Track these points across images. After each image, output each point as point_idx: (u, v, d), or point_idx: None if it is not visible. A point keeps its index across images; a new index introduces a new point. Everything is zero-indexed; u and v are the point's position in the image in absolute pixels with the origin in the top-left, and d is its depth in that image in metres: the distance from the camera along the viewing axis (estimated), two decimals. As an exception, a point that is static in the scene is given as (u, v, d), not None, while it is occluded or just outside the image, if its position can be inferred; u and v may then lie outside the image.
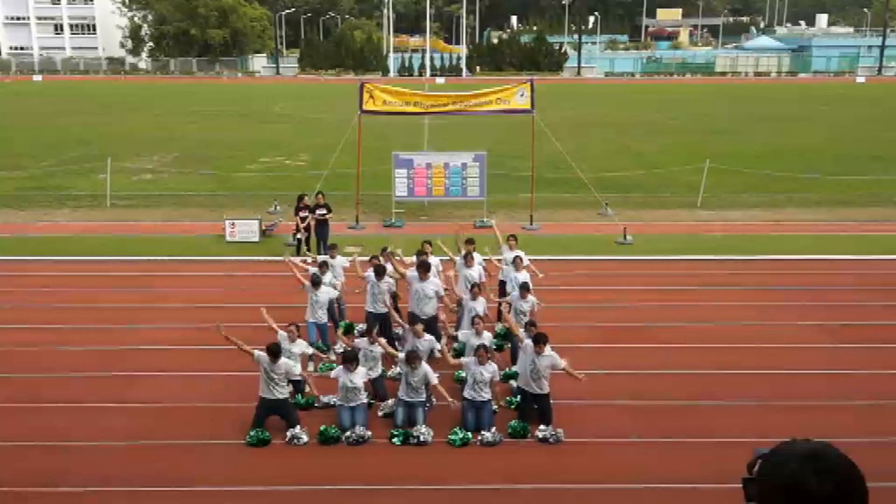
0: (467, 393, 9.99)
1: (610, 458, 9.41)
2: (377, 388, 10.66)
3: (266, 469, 9.11)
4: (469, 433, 9.67)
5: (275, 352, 9.69)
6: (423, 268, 12.09)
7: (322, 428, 9.67)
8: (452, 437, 9.63)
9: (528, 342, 10.06)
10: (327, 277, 12.52)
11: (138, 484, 8.75)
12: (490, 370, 9.99)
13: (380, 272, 12.14)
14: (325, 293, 12.05)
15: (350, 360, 9.97)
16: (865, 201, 24.05)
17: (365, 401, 9.97)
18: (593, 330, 13.31)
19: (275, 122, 44.21)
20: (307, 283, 12.08)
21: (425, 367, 10.03)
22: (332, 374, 10.26)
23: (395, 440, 9.63)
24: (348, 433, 9.60)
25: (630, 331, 13.37)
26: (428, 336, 10.88)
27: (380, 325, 11.69)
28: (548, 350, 9.94)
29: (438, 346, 10.95)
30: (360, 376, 9.94)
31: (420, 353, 10.22)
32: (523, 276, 12.65)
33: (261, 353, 9.76)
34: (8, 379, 11.38)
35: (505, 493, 8.71)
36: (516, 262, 12.83)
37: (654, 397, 10.85)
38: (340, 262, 13.47)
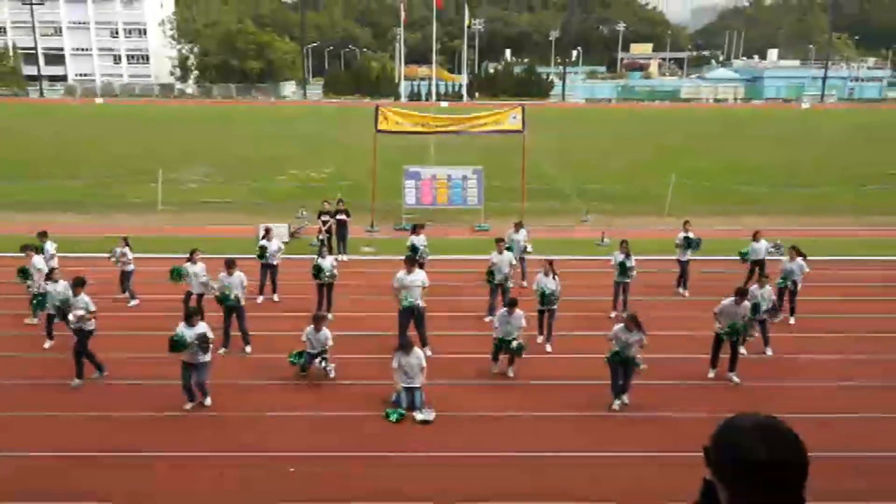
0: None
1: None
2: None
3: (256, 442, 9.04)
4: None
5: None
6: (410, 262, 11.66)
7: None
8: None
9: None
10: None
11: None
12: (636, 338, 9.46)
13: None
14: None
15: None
16: (816, 210, 23.96)
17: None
18: (577, 318, 13.21)
19: (302, 140, 44.05)
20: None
21: (417, 351, 9.65)
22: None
23: (391, 417, 9.35)
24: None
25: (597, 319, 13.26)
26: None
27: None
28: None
29: None
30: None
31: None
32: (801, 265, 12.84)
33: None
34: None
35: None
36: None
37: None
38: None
